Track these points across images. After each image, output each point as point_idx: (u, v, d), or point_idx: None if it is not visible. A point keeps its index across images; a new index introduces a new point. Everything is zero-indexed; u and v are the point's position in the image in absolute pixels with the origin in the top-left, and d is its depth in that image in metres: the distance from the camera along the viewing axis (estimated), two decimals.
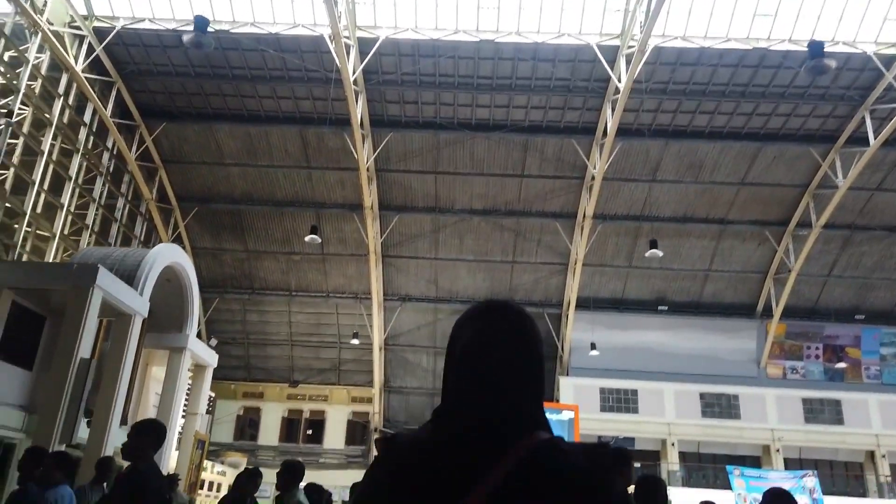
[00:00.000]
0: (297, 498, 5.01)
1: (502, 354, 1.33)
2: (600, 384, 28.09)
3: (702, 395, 27.85)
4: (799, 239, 24.48)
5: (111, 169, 23.25)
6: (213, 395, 24.46)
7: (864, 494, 26.19)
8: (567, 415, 26.38)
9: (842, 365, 27.63)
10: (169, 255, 17.71)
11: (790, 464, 26.36)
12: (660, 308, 28.38)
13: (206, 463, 20.51)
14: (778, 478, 22.97)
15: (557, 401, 27.80)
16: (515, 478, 1.20)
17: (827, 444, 26.68)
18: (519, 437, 1.24)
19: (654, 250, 21.22)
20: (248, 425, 29.56)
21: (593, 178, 23.16)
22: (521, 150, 23.85)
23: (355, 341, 27.58)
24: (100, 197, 22.31)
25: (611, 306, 28.42)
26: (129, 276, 15.49)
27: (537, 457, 1.22)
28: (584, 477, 1.22)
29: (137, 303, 15.20)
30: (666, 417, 27.74)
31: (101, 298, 13.84)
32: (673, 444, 27.51)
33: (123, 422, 14.55)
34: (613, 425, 27.90)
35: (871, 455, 27.03)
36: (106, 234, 23.07)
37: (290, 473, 5.18)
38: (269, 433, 28.76)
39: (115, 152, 23.15)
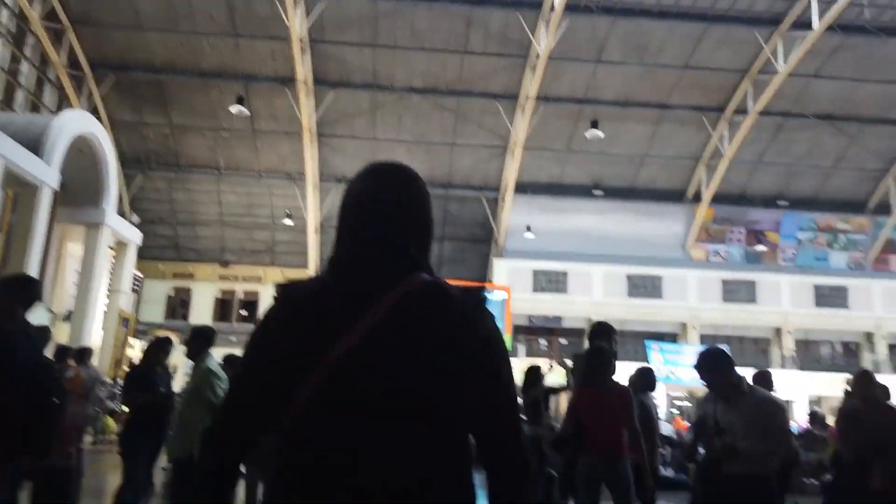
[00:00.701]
0: (205, 364, 4.42)
1: (389, 206, 1.38)
2: (534, 266, 28.37)
3: (629, 277, 28.58)
4: (734, 125, 24.43)
5: (13, 30, 20.65)
6: (140, 274, 23.37)
7: (768, 366, 28.04)
8: (499, 295, 26.70)
9: (761, 248, 28.66)
10: (79, 123, 16.03)
11: (705, 339, 27.72)
12: (595, 192, 28.39)
13: (134, 341, 19.81)
14: (692, 352, 24.14)
15: (491, 282, 28.06)
16: (398, 312, 1.25)
17: (740, 321, 28.08)
18: (403, 278, 1.29)
19: (594, 130, 20.75)
20: (179, 305, 28.74)
21: (538, 56, 22.10)
22: (464, 23, 22.37)
23: (288, 222, 26.63)
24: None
25: (548, 190, 28.23)
26: (35, 145, 13.94)
27: (420, 293, 1.29)
28: (463, 311, 1.32)
29: (45, 173, 13.79)
30: (594, 297, 28.48)
31: (2, 166, 12.40)
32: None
33: None
34: (544, 305, 28.51)
35: (778, 331, 28.73)
36: (10, 101, 20.79)
37: (198, 339, 4.58)
38: (202, 313, 28.03)
39: (16, 11, 20.47)
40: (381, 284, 1.28)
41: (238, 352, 7.88)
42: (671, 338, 27.76)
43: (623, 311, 28.43)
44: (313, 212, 26.63)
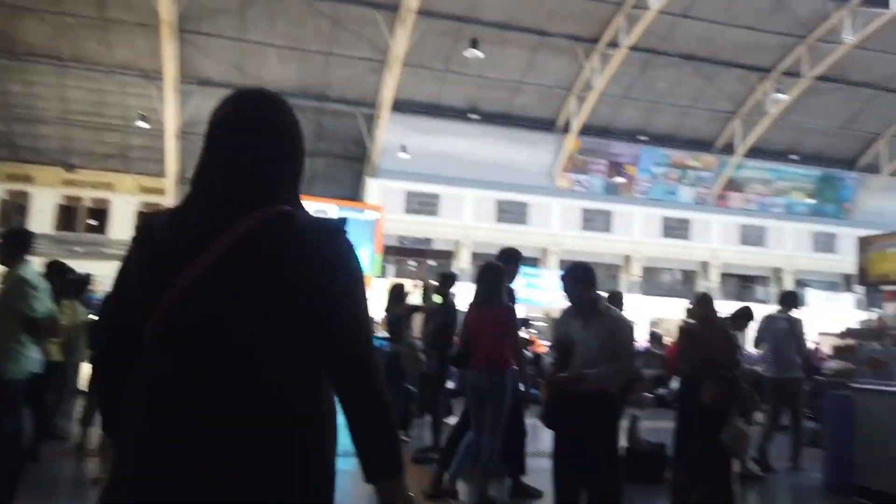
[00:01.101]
0: (19, 272, 3.80)
1: (248, 134, 1.36)
2: (407, 187, 28.16)
3: (498, 202, 29.20)
4: (606, 58, 24.96)
5: None
6: None
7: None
8: (371, 215, 26.37)
9: (620, 180, 30.16)
10: None
11: (564, 265, 29.03)
12: (471, 116, 28.30)
13: None
14: (551, 276, 25.33)
15: (363, 201, 27.59)
16: (241, 246, 1.24)
17: (596, 248, 29.68)
18: (258, 209, 1.29)
19: (474, 50, 20.39)
20: (15, 211, 25.83)
21: None
22: None
23: (144, 125, 24.33)
24: None
25: (425, 111, 27.74)
26: None
27: (268, 225, 1.28)
28: (313, 241, 1.30)
29: None
30: (464, 221, 28.90)
31: None
32: (467, 246, 29.01)
33: None
34: (415, 227, 28.57)
35: (628, 259, 30.80)
36: None
37: (12, 242, 3.92)
38: (42, 220, 25.36)
39: None
40: (231, 216, 1.27)
41: (74, 262, 7.05)
42: (533, 262, 28.87)
43: (491, 236, 29.11)
44: (172, 116, 24.48)
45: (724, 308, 7.29)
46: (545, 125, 28.87)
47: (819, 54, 24.97)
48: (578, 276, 3.95)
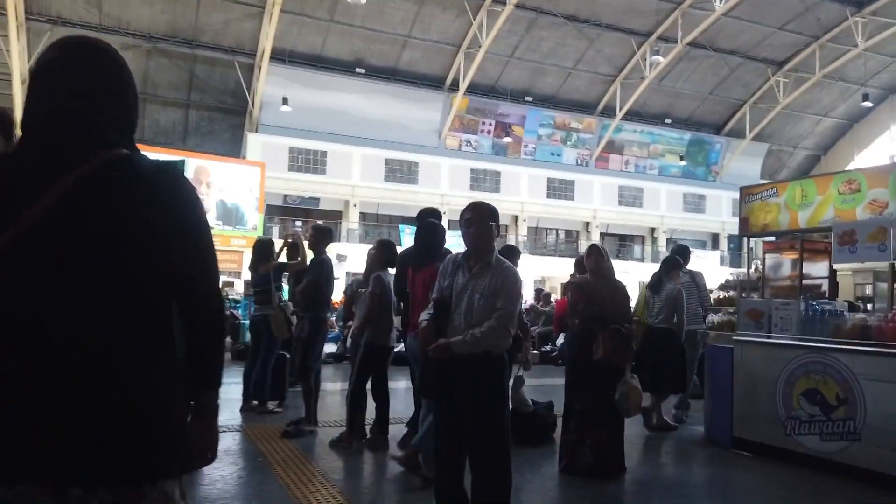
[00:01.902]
0: None
1: (78, 80, 1.37)
2: (290, 143, 26.68)
3: (387, 161, 28.36)
4: (492, 15, 24.47)
5: None
6: None
7: None
8: (252, 172, 24.82)
9: (507, 140, 30.17)
10: None
11: (453, 225, 28.88)
12: (357, 70, 27.09)
13: None
14: None
15: (244, 157, 25.89)
16: (87, 182, 1.28)
17: None
18: (93, 153, 1.31)
19: None
20: None
21: None
22: None
23: None
24: None
25: (309, 63, 26.23)
26: None
27: (111, 164, 1.31)
28: (149, 184, 1.34)
29: None
30: (352, 180, 27.89)
31: None
32: (355, 205, 28.08)
33: None
34: (300, 185, 27.24)
35: (516, 219, 31.09)
36: None
37: None
38: None
39: None
40: (67, 160, 1.29)
41: None
42: None
43: (379, 195, 28.39)
44: (18, 58, 21.56)
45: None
46: (434, 82, 28.20)
47: (692, 21, 25.77)
48: (487, 213, 3.38)
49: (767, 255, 6.26)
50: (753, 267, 6.62)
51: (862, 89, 31.05)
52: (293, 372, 6.69)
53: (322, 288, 5.79)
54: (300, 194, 27.66)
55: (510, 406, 3.73)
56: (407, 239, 25.48)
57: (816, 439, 4.90)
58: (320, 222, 27.04)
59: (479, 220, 3.35)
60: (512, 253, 5.54)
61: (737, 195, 23.61)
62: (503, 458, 3.27)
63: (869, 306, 8.15)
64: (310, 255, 6.10)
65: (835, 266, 5.56)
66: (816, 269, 6.09)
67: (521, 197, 30.68)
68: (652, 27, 26.82)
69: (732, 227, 33.61)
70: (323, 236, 5.98)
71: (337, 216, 28.27)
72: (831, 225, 5.01)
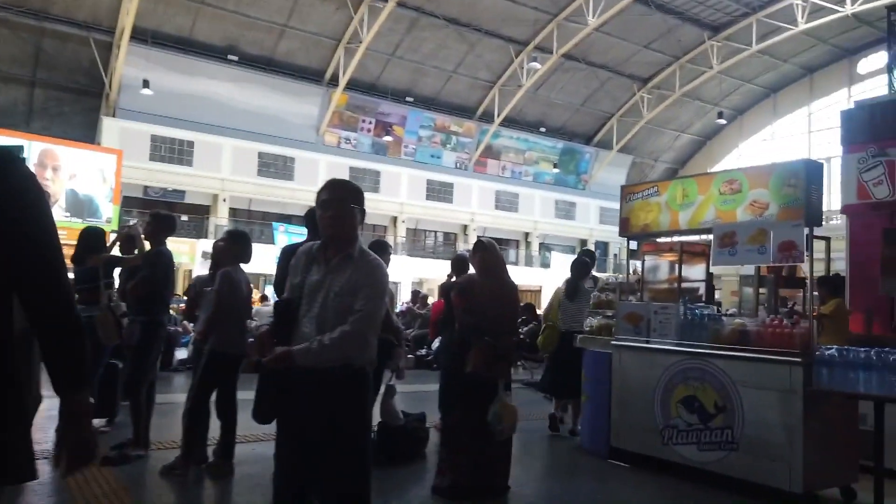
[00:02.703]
0: None
1: None
2: (153, 131, 24.48)
3: (260, 154, 26.79)
4: (374, 11, 23.74)
5: None
6: None
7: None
8: (108, 160, 22.50)
9: (387, 139, 29.53)
10: None
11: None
12: (230, 57, 25.35)
13: None
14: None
15: (99, 144, 23.42)
16: None
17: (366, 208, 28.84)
18: None
19: None
20: None
21: None
22: None
23: None
24: None
25: (175, 46, 24.17)
26: None
27: None
28: None
29: None
30: (221, 173, 26.07)
31: None
32: (225, 200, 26.29)
33: None
34: (164, 176, 25.08)
35: (395, 219, 30.52)
36: None
37: None
38: None
39: None
40: None
41: None
42: (299, 220, 27.09)
43: (252, 190, 26.78)
44: None
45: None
46: (312, 76, 27.02)
47: (566, 33, 26.46)
48: (350, 190, 2.74)
49: (646, 257, 6.09)
50: (633, 269, 6.47)
51: (716, 108, 33.50)
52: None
53: (158, 285, 4.87)
54: (163, 186, 25.45)
55: (377, 421, 3.08)
56: (281, 238, 24.14)
57: (694, 449, 4.68)
58: (185, 217, 25.09)
59: (339, 201, 2.66)
60: (382, 249, 4.87)
61: (604, 203, 24.46)
62: (361, 491, 2.62)
63: (732, 310, 8.38)
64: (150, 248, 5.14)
65: (717, 269, 5.45)
66: (695, 273, 6.00)
67: (400, 198, 30.16)
68: (529, 36, 27.25)
69: (600, 233, 35.05)
70: (162, 225, 5.04)
71: (204, 211, 26.33)
72: (712, 226, 4.82)
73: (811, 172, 4.41)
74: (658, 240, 5.96)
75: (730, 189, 4.73)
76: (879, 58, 27.40)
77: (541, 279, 30.90)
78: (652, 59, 29.94)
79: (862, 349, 3.91)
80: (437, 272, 24.68)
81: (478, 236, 5.94)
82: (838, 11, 25.21)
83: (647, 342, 5.12)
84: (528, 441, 5.75)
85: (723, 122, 32.79)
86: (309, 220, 4.25)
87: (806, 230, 4.31)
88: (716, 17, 27.74)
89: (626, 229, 5.53)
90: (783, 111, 34.57)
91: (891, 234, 5.68)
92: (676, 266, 5.83)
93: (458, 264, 6.26)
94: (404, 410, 5.47)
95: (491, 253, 4.40)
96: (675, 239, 5.79)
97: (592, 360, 5.64)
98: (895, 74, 9.81)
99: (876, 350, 3.84)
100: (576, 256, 7.47)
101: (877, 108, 6.06)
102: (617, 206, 5.82)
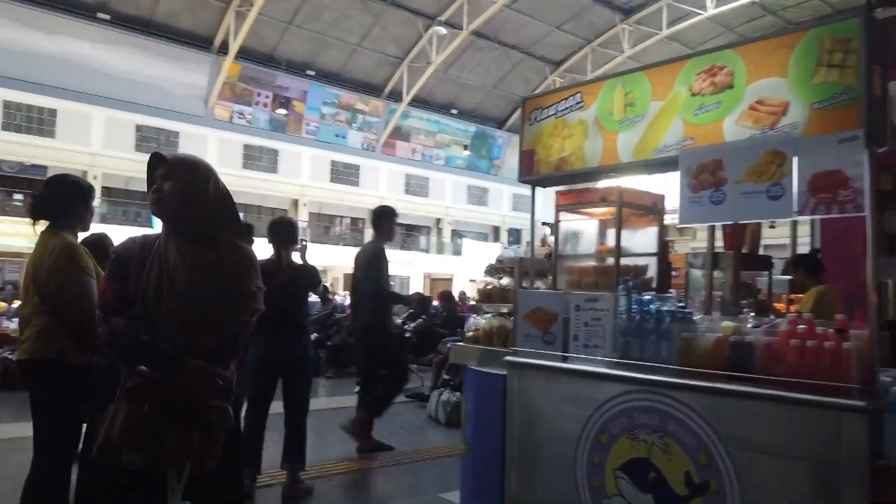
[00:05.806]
0: None
1: None
2: (4, 95, 20.47)
3: (138, 127, 23.16)
4: None
5: None
6: None
7: None
8: None
9: (285, 113, 26.40)
10: None
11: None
12: (100, 16, 21.58)
13: None
14: None
15: None
16: None
17: (261, 190, 25.79)
18: None
19: None
20: None
21: None
22: None
23: None
24: None
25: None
26: None
27: None
28: None
29: None
30: (91, 147, 22.32)
31: None
32: (96, 178, 22.51)
33: None
34: (20, 149, 21.11)
35: (296, 203, 27.55)
36: None
37: None
38: None
39: None
40: None
41: None
42: None
43: (129, 167, 23.08)
44: None
45: None
46: (199, 42, 23.56)
47: (477, 7, 24.26)
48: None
49: (562, 216, 3.82)
50: (541, 238, 4.26)
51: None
52: None
53: None
54: (19, 160, 21.44)
55: None
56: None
57: None
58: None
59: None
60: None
61: (516, 190, 22.09)
62: None
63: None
64: None
65: (677, 229, 3.28)
66: (642, 241, 3.72)
67: (301, 179, 27.20)
68: (438, 10, 24.86)
69: (513, 220, 33.29)
70: None
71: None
72: (677, 153, 2.60)
73: (873, 38, 2.23)
74: (582, 186, 3.70)
75: (712, 85, 2.53)
76: None
77: (453, 267, 28.81)
78: (564, 42, 28.27)
79: None
80: (344, 260, 22.03)
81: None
82: None
83: (564, 359, 2.87)
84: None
85: None
86: None
87: (866, 153, 2.15)
88: None
89: (530, 170, 3.26)
90: None
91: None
92: (612, 231, 3.58)
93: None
94: None
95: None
96: (611, 184, 3.58)
97: (475, 384, 3.35)
98: None
99: None
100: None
101: None
102: (530, 192, 3.58)
